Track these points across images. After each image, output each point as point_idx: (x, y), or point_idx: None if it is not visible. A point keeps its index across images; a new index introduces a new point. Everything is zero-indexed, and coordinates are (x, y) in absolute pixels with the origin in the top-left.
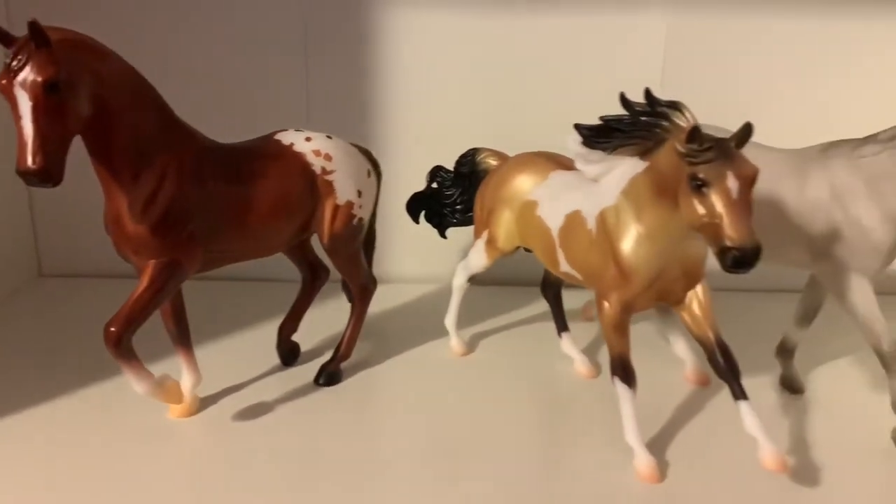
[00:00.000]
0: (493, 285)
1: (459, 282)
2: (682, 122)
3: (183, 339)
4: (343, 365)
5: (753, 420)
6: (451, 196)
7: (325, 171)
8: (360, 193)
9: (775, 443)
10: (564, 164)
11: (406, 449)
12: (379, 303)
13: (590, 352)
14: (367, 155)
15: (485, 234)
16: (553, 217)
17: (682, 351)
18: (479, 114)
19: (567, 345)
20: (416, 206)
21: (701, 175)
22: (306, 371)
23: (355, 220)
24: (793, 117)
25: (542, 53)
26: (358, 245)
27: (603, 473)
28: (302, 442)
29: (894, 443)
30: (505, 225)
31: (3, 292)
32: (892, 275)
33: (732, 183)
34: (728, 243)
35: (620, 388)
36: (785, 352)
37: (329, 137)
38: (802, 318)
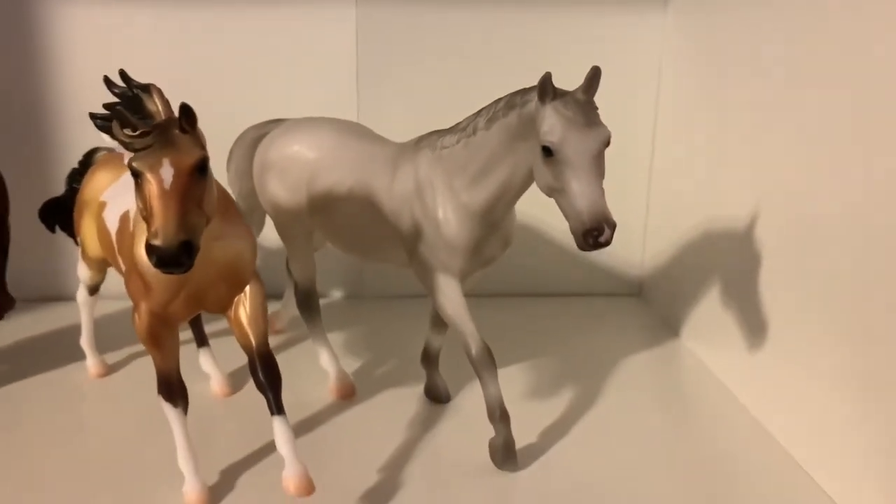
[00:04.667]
0: None
1: (81, 297)
2: (151, 105)
3: None
4: None
5: (283, 438)
6: None
7: None
8: None
9: (302, 465)
10: None
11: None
12: (53, 321)
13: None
14: None
15: (80, 241)
16: (112, 219)
17: (326, 362)
18: None
19: (205, 361)
20: (50, 213)
21: (134, 164)
22: None
23: None
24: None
25: (233, 49)
26: None
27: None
28: None
29: (490, 456)
30: (87, 231)
31: None
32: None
33: (167, 172)
34: (152, 240)
35: (166, 408)
36: (428, 358)
37: None
38: (437, 322)
